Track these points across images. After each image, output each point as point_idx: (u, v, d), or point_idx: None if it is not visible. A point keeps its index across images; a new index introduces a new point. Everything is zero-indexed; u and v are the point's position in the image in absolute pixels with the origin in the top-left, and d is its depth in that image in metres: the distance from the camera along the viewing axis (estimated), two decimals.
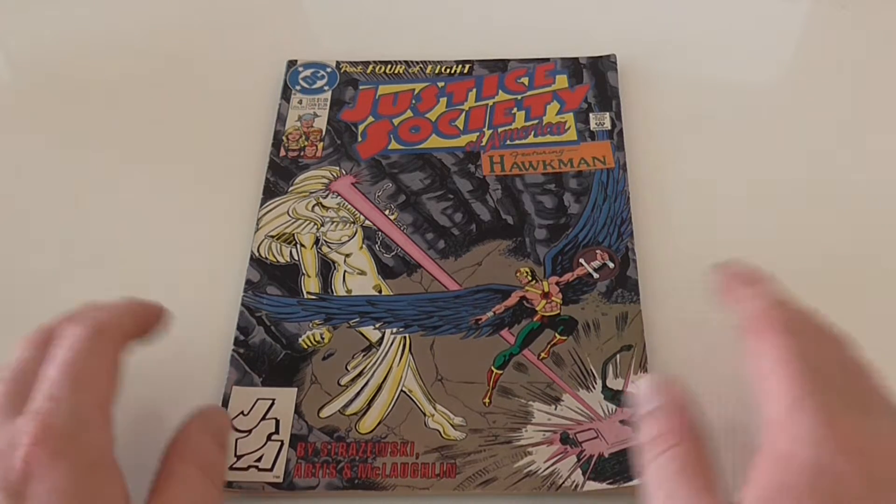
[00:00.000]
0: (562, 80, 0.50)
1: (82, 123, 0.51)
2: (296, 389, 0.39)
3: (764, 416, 0.26)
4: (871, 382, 0.28)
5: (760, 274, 0.32)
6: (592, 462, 0.37)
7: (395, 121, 0.49)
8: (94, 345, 0.31)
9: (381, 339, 0.41)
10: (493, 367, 0.40)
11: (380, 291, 0.42)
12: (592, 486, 0.36)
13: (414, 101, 0.50)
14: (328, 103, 0.50)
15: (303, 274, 0.43)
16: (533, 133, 0.48)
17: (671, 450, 0.29)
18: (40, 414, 0.28)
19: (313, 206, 0.46)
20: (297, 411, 0.39)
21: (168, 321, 0.37)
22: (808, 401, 0.26)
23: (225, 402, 0.39)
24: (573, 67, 0.51)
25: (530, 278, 0.42)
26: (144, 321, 0.35)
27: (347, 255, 0.44)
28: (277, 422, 0.38)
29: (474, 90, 0.50)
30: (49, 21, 0.57)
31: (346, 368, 0.40)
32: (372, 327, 0.41)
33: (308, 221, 0.45)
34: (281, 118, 0.49)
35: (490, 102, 0.49)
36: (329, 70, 0.52)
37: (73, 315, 0.34)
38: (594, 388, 0.39)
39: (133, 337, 0.34)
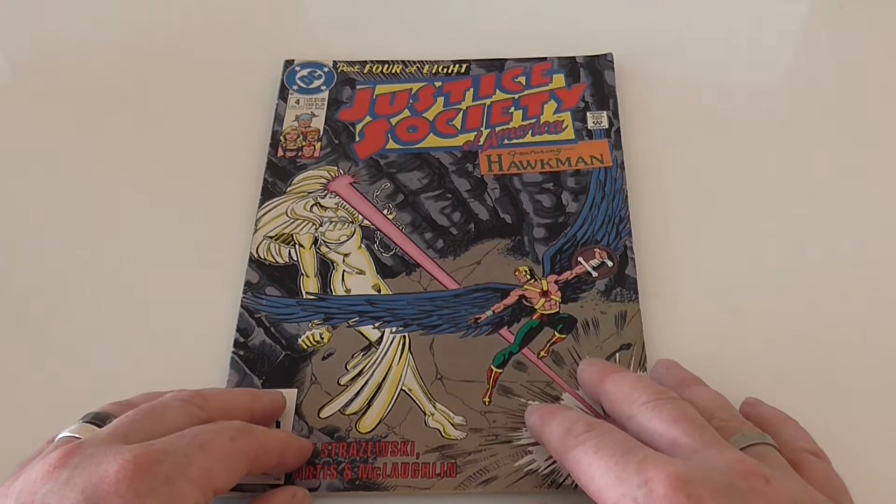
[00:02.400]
0: (559, 79, 0.50)
1: (79, 124, 0.51)
2: (296, 390, 0.39)
3: None
4: (686, 428, 0.31)
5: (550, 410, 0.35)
6: None
7: (393, 120, 0.49)
8: (236, 434, 0.32)
9: (381, 338, 0.41)
10: (492, 366, 0.40)
11: (379, 291, 0.42)
12: None
13: (411, 101, 0.50)
14: (325, 103, 0.50)
15: (302, 274, 0.43)
16: (530, 132, 0.48)
17: None
18: (155, 446, 0.29)
19: (311, 207, 0.46)
20: (298, 412, 0.39)
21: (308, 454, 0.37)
22: (623, 473, 0.29)
23: None
24: (570, 66, 0.51)
25: (529, 277, 0.42)
26: (291, 455, 0.36)
27: (346, 255, 0.44)
28: (278, 423, 0.38)
29: (471, 89, 0.50)
30: (48, 21, 0.56)
31: (346, 368, 0.40)
32: (371, 326, 0.41)
33: (306, 222, 0.45)
34: (278, 118, 0.49)
35: (487, 102, 0.50)
36: (326, 70, 0.52)
37: (241, 402, 0.36)
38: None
39: (269, 462, 0.34)
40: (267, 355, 0.40)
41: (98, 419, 0.33)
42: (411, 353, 0.40)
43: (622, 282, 0.42)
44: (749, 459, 0.29)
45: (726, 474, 0.28)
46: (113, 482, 0.27)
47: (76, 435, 0.32)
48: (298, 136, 0.49)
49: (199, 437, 0.30)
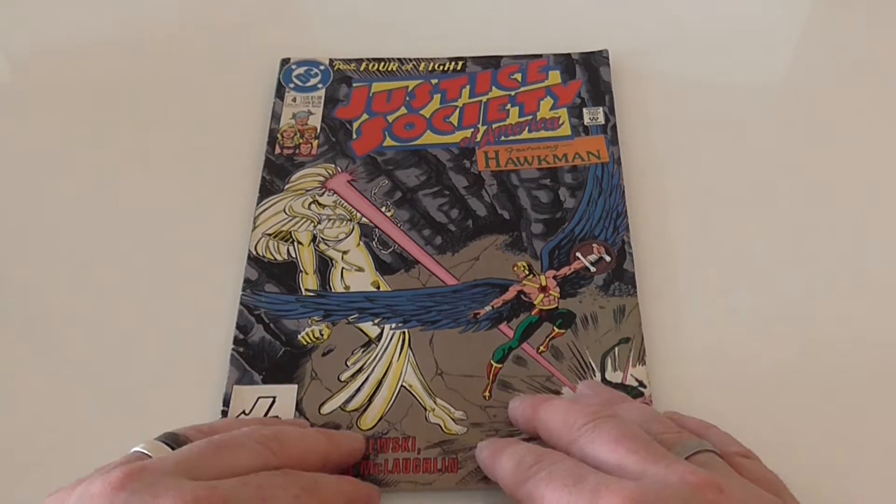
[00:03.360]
0: (555, 76, 0.50)
1: (77, 123, 0.51)
2: (296, 386, 0.39)
3: None
4: (629, 446, 0.31)
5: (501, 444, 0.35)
6: None
7: (390, 118, 0.49)
8: (301, 494, 0.31)
9: (381, 334, 0.41)
10: (492, 361, 0.40)
11: (378, 287, 0.43)
12: None
13: (408, 98, 0.50)
14: (322, 101, 0.50)
15: (301, 271, 0.43)
16: (527, 129, 0.48)
17: None
18: (216, 490, 0.28)
19: (310, 204, 0.46)
20: (298, 408, 0.39)
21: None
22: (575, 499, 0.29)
23: (226, 402, 0.39)
24: (566, 63, 0.51)
25: (528, 272, 0.43)
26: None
27: (345, 252, 0.44)
28: (279, 419, 0.38)
29: (468, 87, 0.50)
30: (48, 21, 0.56)
31: (346, 364, 0.40)
32: (371, 323, 0.41)
33: (305, 219, 0.45)
34: (275, 116, 0.49)
35: (484, 99, 0.50)
36: (322, 68, 0.52)
37: (317, 449, 0.35)
38: (593, 380, 0.39)
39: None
40: (267, 351, 0.40)
41: (172, 439, 0.32)
42: (411, 349, 0.40)
43: (620, 276, 0.42)
44: (699, 470, 0.29)
45: (680, 491, 0.28)
46: None
47: (147, 452, 0.31)
48: (295, 134, 0.49)
49: (263, 490, 0.29)
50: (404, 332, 0.41)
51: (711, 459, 0.31)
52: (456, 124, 0.49)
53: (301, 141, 0.48)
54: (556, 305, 0.41)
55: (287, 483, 0.31)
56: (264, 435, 0.33)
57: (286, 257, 0.44)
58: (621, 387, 0.39)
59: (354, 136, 0.49)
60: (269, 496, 0.29)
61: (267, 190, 0.46)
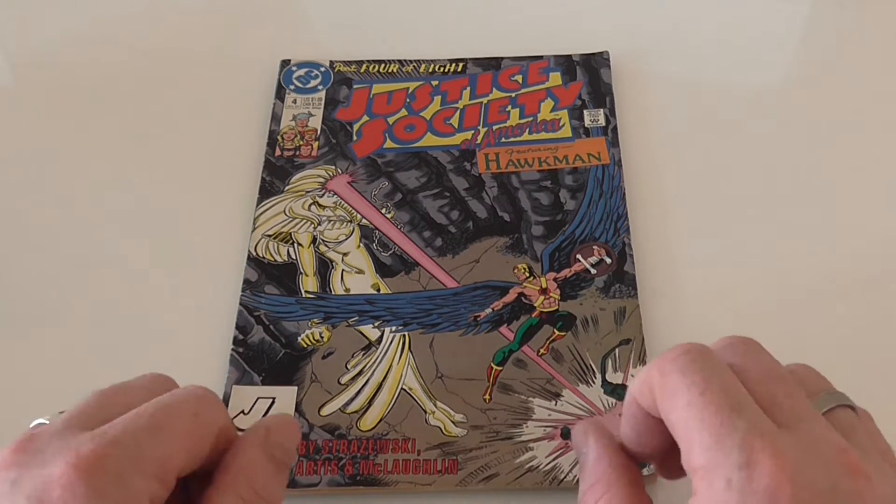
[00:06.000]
0: (555, 78, 0.50)
1: (77, 124, 0.51)
2: (296, 388, 0.39)
3: (688, 465, 0.25)
4: (785, 388, 0.27)
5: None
6: None
7: (390, 119, 0.49)
8: (199, 407, 0.28)
9: (381, 337, 0.41)
10: (492, 364, 0.40)
11: (378, 290, 0.42)
12: None
13: (408, 100, 0.50)
14: (322, 103, 0.50)
15: (301, 273, 0.43)
16: (528, 130, 0.48)
17: (600, 501, 0.28)
18: (103, 438, 0.26)
19: (310, 206, 0.46)
20: (298, 410, 0.39)
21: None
22: (725, 440, 0.25)
23: (225, 401, 0.39)
24: (566, 65, 0.51)
25: (528, 275, 0.43)
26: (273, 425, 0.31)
27: (345, 254, 0.44)
28: None
29: (468, 88, 0.50)
30: (48, 21, 0.56)
31: (346, 367, 0.40)
32: (371, 326, 0.41)
33: (305, 220, 0.45)
34: (275, 118, 0.49)
35: (484, 100, 0.50)
36: (323, 69, 0.52)
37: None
38: (594, 382, 0.39)
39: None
40: (266, 353, 0.40)
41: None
42: (411, 352, 0.40)
43: (621, 278, 0.42)
44: (851, 450, 0.25)
45: (831, 470, 0.25)
46: (58, 488, 0.25)
47: (45, 421, 0.29)
48: (296, 136, 0.48)
49: (156, 416, 0.27)
50: (405, 336, 0.41)
51: (853, 423, 0.28)
52: (456, 126, 0.49)
53: (301, 142, 0.48)
54: (556, 308, 0.41)
55: (183, 402, 0.28)
56: (156, 375, 0.30)
57: (286, 259, 0.44)
58: (622, 388, 0.39)
59: (355, 137, 0.48)
60: (164, 422, 0.27)
61: (266, 191, 0.46)
